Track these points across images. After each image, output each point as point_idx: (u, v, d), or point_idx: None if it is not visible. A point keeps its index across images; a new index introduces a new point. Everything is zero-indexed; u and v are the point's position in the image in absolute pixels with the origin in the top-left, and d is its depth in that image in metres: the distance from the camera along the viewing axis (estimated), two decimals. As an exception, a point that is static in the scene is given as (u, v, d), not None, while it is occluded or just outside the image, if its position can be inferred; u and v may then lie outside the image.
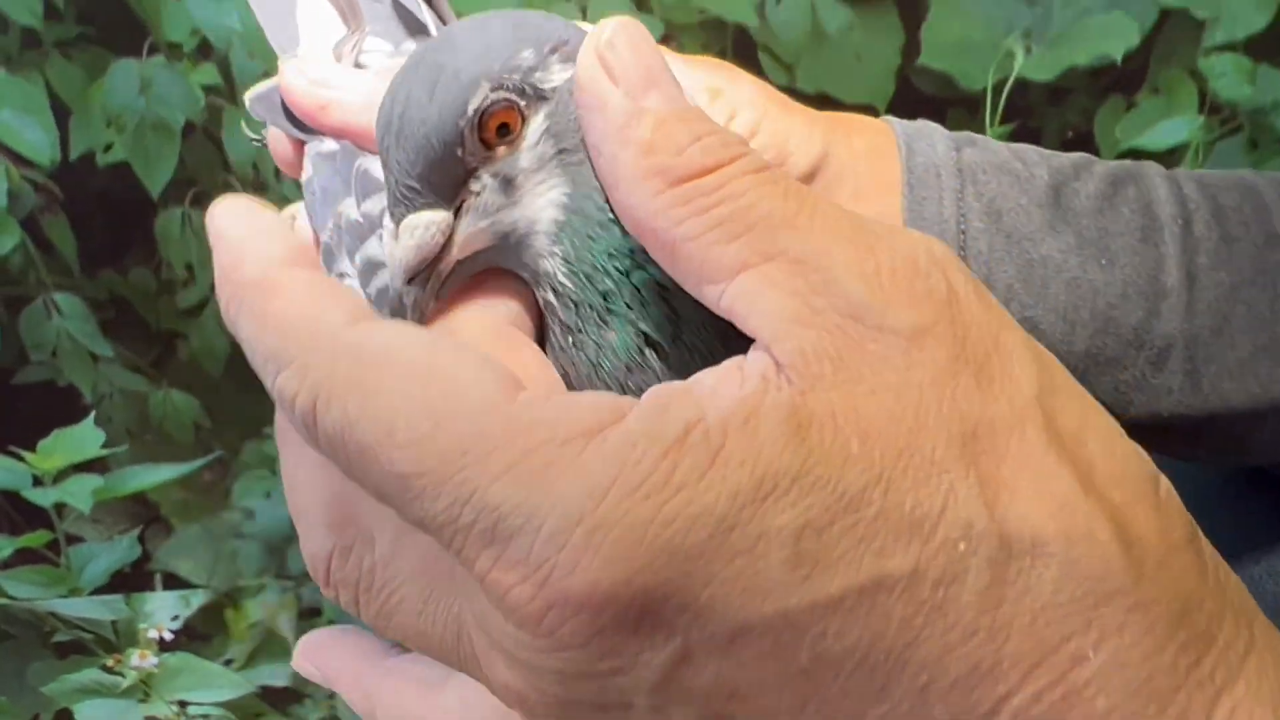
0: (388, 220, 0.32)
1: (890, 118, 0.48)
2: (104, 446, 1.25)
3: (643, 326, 0.31)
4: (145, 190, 1.16)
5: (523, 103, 0.31)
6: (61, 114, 1.12)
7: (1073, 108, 1.26)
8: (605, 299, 0.31)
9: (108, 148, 1.14)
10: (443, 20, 0.44)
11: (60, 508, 1.27)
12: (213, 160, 1.17)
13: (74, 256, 1.19)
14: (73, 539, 1.30)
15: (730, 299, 0.27)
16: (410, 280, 0.31)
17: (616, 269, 0.31)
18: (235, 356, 1.25)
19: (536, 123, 0.32)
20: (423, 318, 0.32)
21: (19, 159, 1.13)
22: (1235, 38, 1.20)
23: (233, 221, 0.32)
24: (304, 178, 0.41)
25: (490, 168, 0.32)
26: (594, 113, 0.29)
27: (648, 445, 0.24)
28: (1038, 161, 0.47)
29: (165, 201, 1.18)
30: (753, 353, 0.27)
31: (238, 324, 0.30)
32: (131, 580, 1.33)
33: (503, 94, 0.31)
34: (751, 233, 0.27)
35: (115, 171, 1.15)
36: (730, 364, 0.27)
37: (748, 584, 0.23)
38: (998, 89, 1.23)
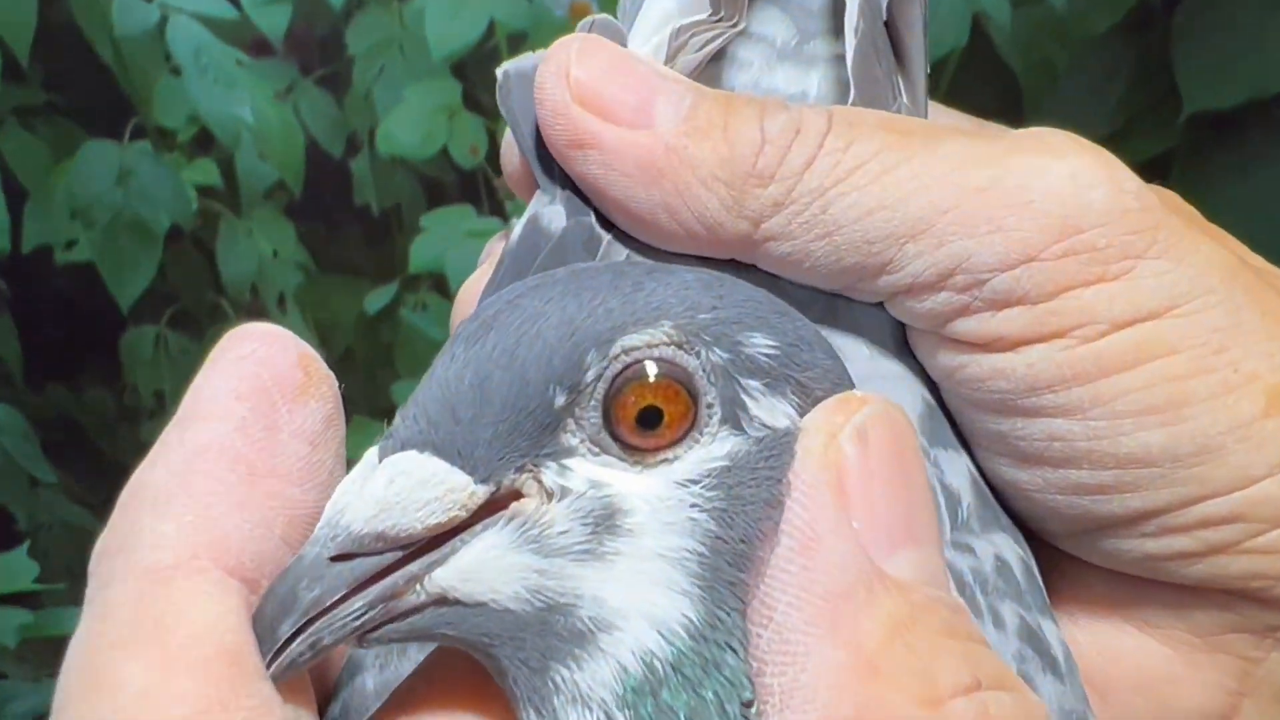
0: (371, 452, 0.22)
1: None
2: (38, 580, 1.07)
3: None
4: (113, 300, 0.97)
5: (707, 400, 0.22)
6: (15, 197, 0.96)
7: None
8: None
9: (70, 244, 0.96)
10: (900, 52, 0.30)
11: (-19, 640, 1.10)
12: (201, 276, 0.98)
13: (18, 364, 1.01)
14: (-7, 674, 1.12)
15: None
16: (337, 558, 0.21)
17: None
18: (206, 505, 1.03)
19: (708, 454, 0.22)
20: (281, 667, 0.21)
21: (-44, 243, 0.98)
22: None
23: (225, 398, 0.22)
24: (508, 241, 0.30)
25: (589, 465, 0.22)
26: (797, 548, 0.21)
27: None
28: None
29: (137, 316, 0.99)
30: None
31: (87, 597, 0.21)
32: (58, 727, 1.13)
33: (686, 358, 0.22)
34: None
35: (78, 273, 0.97)
36: None
37: None
38: None
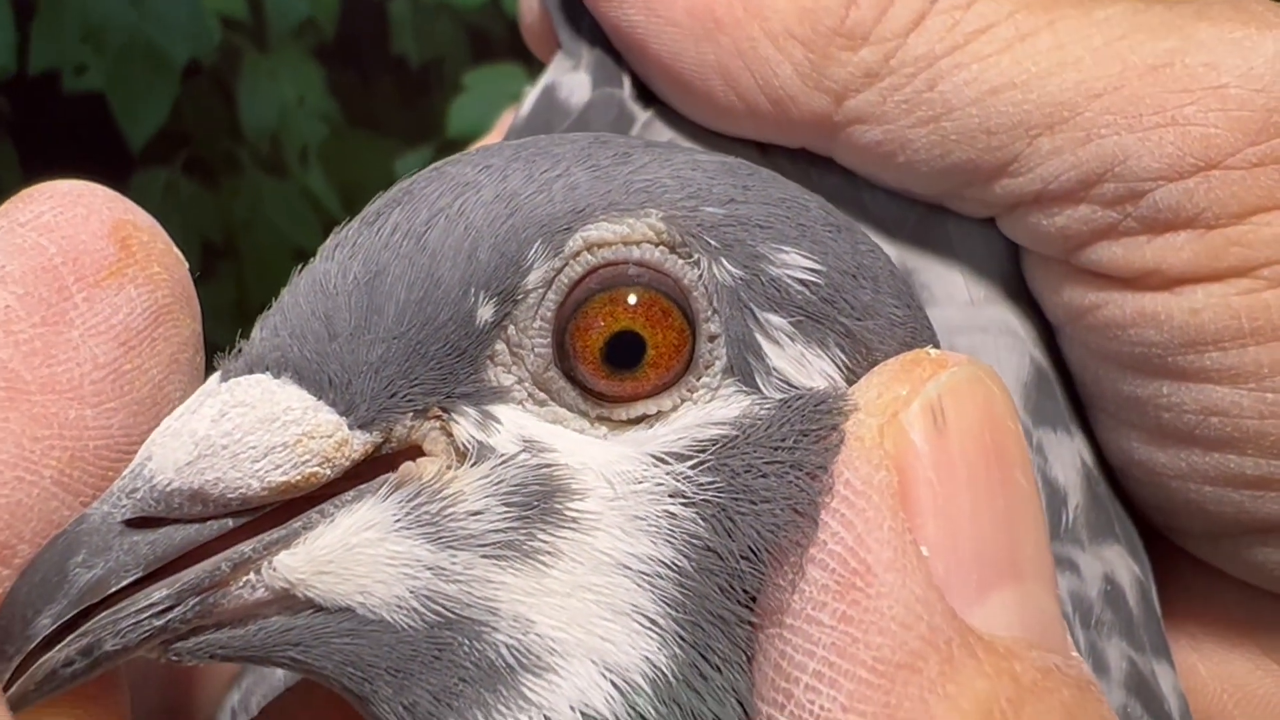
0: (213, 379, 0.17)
1: None
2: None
3: None
4: (123, 136, 0.91)
5: (709, 330, 0.16)
6: (23, 11, 0.88)
7: None
8: None
9: (80, 70, 0.88)
10: None
11: None
12: (218, 118, 0.90)
13: (16, 192, 0.93)
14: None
15: None
16: (135, 522, 0.16)
17: None
18: (209, 370, 0.98)
19: (705, 415, 0.16)
20: (33, 680, 0.15)
21: (-42, 56, 0.92)
22: None
23: None
24: (516, 116, 0.25)
25: (526, 416, 0.16)
26: (834, 586, 0.15)
27: None
28: None
29: (147, 157, 0.91)
30: None
31: None
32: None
33: (681, 266, 0.16)
34: None
35: (86, 102, 0.89)
36: None
37: None
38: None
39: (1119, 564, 0.23)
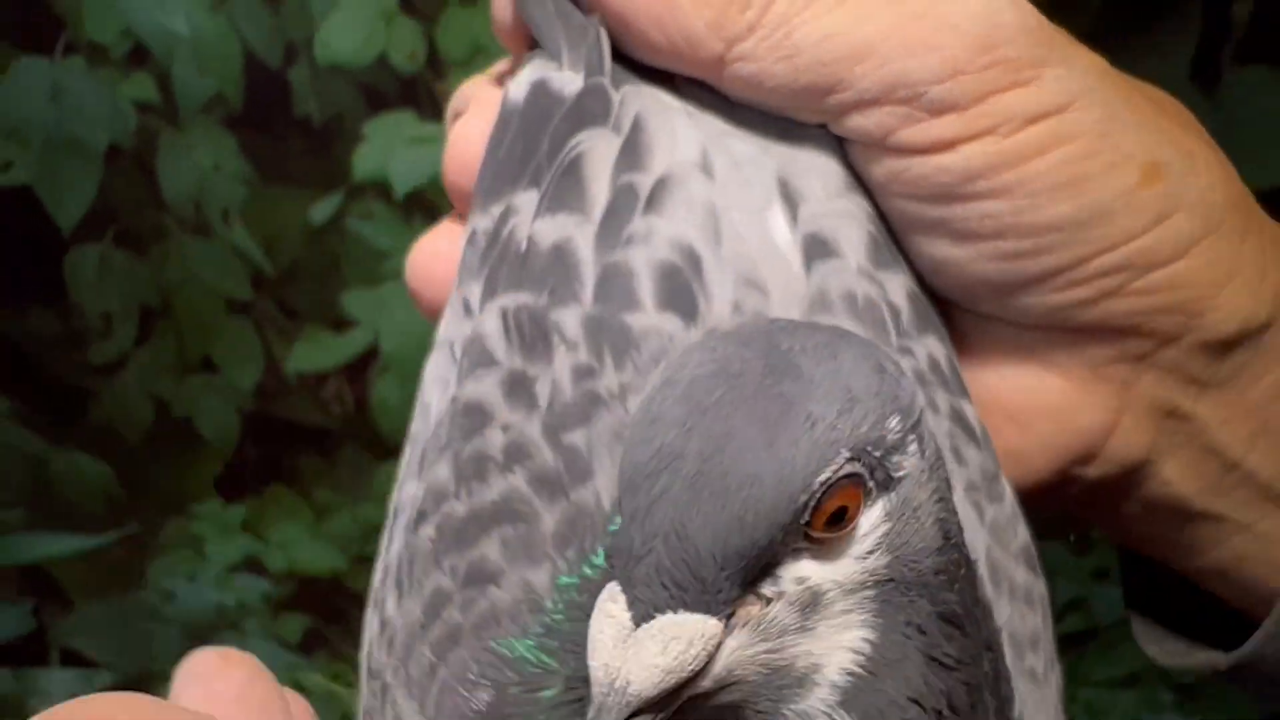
0: (608, 594, 0.24)
1: None
2: (-9, 508, 1.05)
3: None
4: (53, 222, 0.94)
5: (870, 484, 0.24)
6: None
7: None
8: None
9: (5, 167, 0.92)
10: None
11: (-64, 570, 1.07)
12: (142, 193, 0.95)
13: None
14: (-50, 605, 1.10)
15: None
16: (636, 715, 0.23)
17: None
18: (159, 424, 1.03)
19: (872, 519, 0.24)
20: None
21: (-112, 167, 0.92)
22: None
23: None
24: (508, 99, 0.33)
25: (798, 570, 0.24)
26: None
27: None
28: None
29: (79, 236, 0.95)
30: None
31: None
32: (22, 655, 1.12)
33: (861, 468, 0.24)
34: None
35: (15, 196, 0.93)
36: None
37: None
38: None
39: (935, 347, 0.32)
